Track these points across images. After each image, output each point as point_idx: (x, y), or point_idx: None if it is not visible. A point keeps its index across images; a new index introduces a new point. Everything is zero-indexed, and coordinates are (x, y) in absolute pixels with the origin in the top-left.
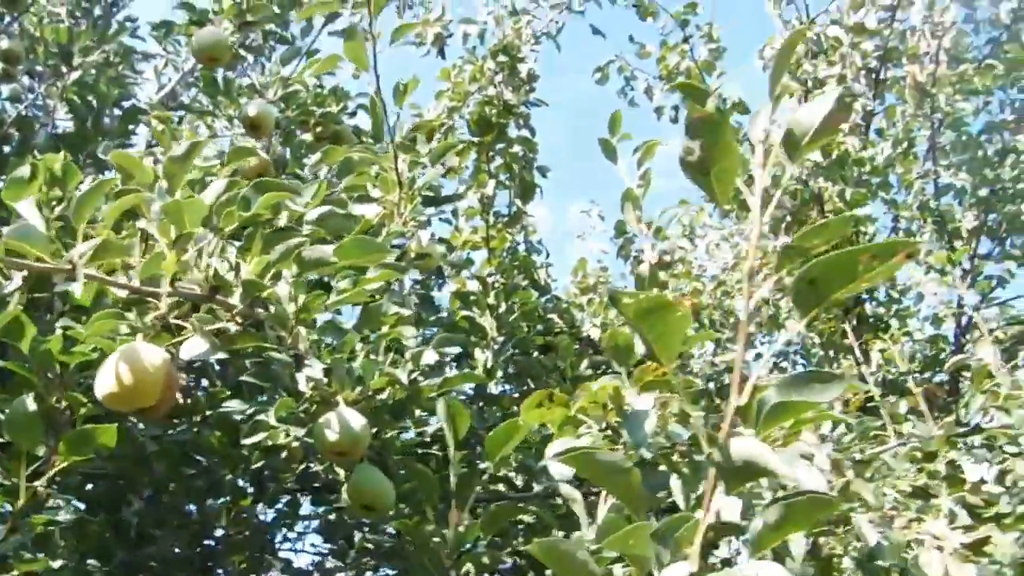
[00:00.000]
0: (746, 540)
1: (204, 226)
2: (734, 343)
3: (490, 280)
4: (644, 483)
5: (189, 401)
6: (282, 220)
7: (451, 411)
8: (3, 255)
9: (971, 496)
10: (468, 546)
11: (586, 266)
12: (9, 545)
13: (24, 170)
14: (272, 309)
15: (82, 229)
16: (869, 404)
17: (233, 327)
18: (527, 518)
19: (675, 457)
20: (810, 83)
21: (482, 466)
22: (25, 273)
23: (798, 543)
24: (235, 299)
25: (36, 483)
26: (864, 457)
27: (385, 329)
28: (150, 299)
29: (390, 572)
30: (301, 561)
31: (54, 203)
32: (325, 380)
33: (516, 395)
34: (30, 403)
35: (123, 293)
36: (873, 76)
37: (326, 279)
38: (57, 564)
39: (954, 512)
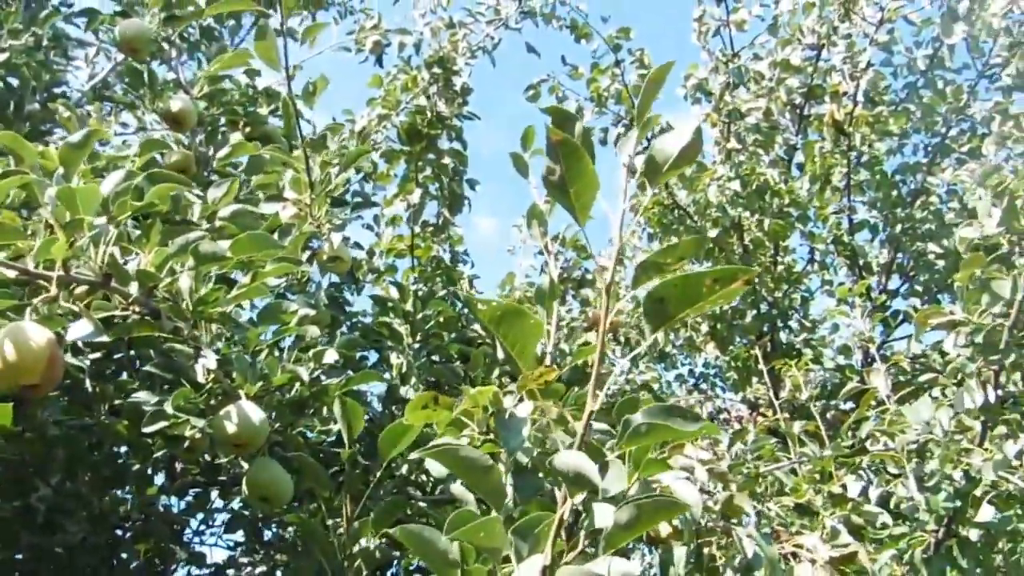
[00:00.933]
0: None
1: (100, 214)
2: (655, 363)
3: (413, 288)
4: (517, 484)
5: (97, 390)
6: (195, 215)
7: (346, 409)
8: None
9: (855, 515)
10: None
11: (514, 280)
12: None
13: None
14: (170, 301)
15: None
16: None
17: (130, 315)
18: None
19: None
20: (729, 114)
21: (369, 464)
22: None
23: (680, 551)
24: (132, 288)
25: None
26: (753, 472)
27: (281, 327)
28: (43, 282)
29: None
30: (217, 556)
31: None
32: (221, 371)
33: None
34: None
35: (12, 274)
36: (798, 111)
37: (232, 275)
38: None
39: (836, 529)
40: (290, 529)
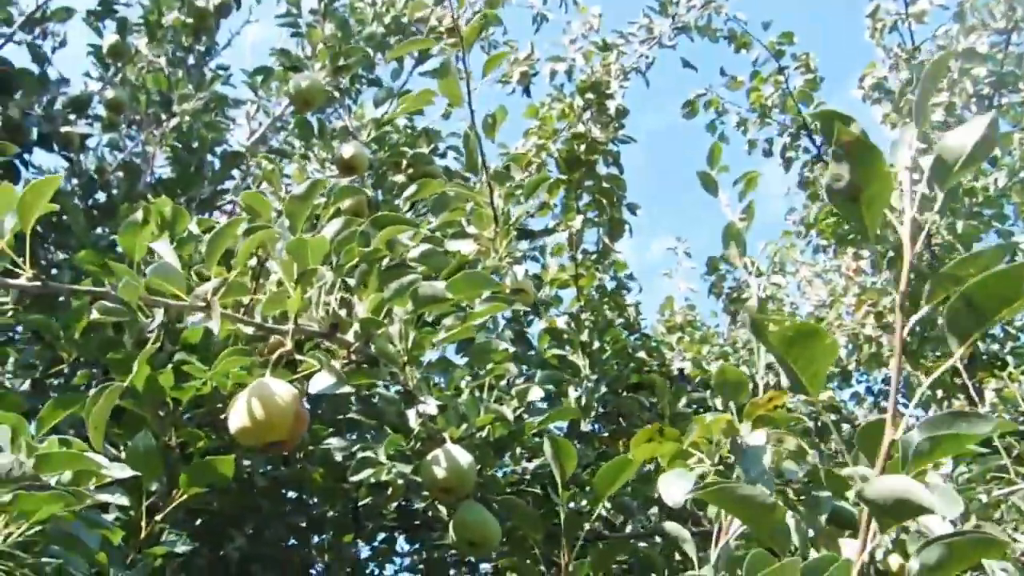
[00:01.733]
0: None
1: (324, 264)
2: (833, 381)
3: (582, 317)
4: None
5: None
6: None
7: (557, 449)
8: (144, 292)
9: None
10: None
11: (673, 304)
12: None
13: (137, 215)
14: (384, 346)
15: (214, 268)
16: (989, 444)
17: (348, 364)
18: (624, 556)
19: (789, 494)
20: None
21: (584, 504)
22: (162, 311)
23: None
24: (350, 336)
25: (156, 517)
26: (990, 499)
27: (491, 366)
28: (276, 336)
29: None
30: None
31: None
32: (427, 416)
33: (606, 434)
34: (149, 439)
35: (250, 330)
36: (986, 103)
37: (427, 317)
38: None
39: None
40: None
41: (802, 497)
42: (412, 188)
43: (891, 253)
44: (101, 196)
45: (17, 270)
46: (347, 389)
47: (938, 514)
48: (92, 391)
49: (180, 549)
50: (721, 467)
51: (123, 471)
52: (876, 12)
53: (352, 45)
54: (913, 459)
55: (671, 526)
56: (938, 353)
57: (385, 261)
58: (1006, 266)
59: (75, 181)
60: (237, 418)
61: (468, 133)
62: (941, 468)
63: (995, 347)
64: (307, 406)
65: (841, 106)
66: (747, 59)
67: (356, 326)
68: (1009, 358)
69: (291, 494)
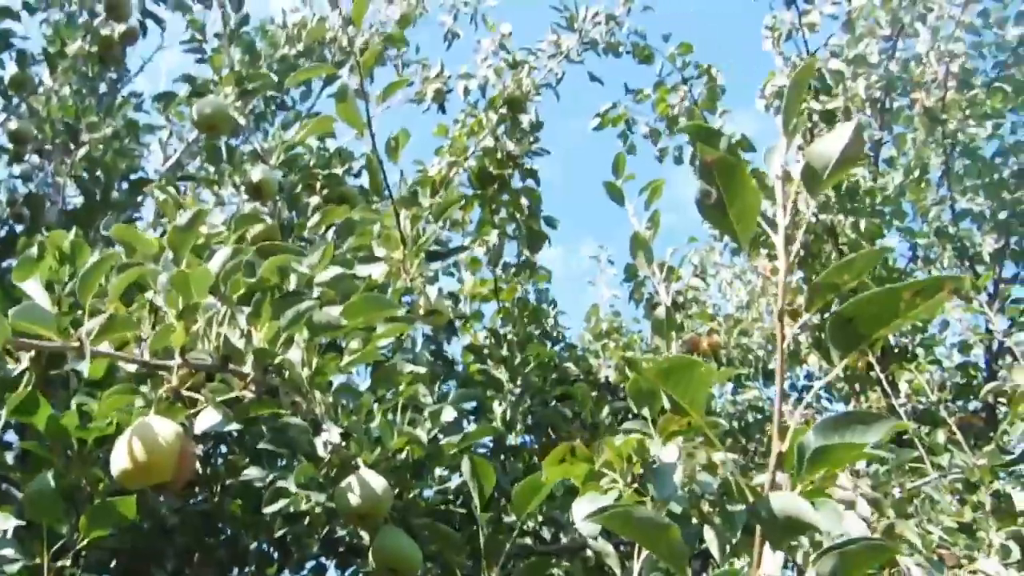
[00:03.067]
0: None
1: (212, 294)
2: (755, 380)
3: (502, 332)
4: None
5: (208, 471)
6: (291, 284)
7: (476, 468)
8: (9, 336)
9: None
10: None
11: (599, 312)
12: None
13: (32, 250)
14: (286, 375)
15: (88, 305)
16: (902, 436)
17: (247, 395)
18: (558, 572)
19: (705, 508)
20: (815, 117)
21: (508, 520)
22: (32, 353)
23: None
24: (247, 367)
25: (59, 562)
26: (904, 494)
27: (401, 388)
28: (162, 372)
29: None
30: None
31: (65, 281)
32: (343, 444)
33: (535, 446)
34: (50, 480)
35: (133, 368)
36: (878, 106)
37: (338, 341)
38: None
39: (1007, 547)
40: None
41: (717, 510)
42: (316, 216)
43: (802, 252)
44: (17, 228)
45: None
46: (234, 426)
47: (824, 530)
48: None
49: None
50: (635, 485)
51: (6, 522)
52: (774, 24)
53: (256, 70)
54: (807, 469)
55: (596, 544)
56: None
57: (278, 290)
58: (880, 290)
59: None
60: (119, 460)
61: (370, 157)
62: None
63: (904, 340)
64: (198, 445)
65: (748, 115)
66: (652, 71)
67: (251, 357)
68: (919, 350)
69: (217, 529)
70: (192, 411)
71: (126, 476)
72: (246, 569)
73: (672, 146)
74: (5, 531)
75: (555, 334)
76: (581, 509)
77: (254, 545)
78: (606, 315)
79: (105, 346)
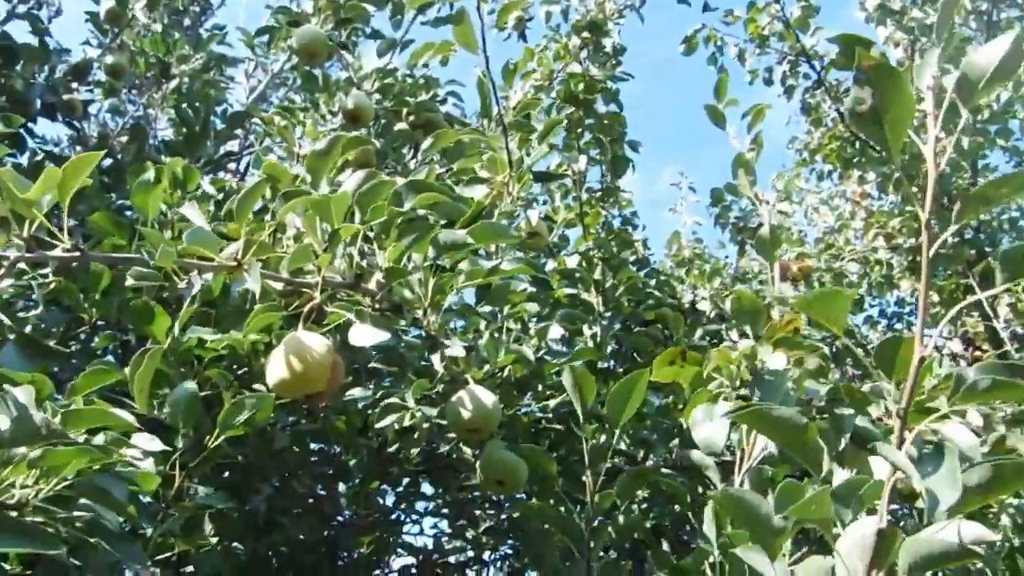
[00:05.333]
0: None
1: (346, 218)
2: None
3: (592, 255)
4: None
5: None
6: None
7: (577, 380)
8: (176, 257)
9: None
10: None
11: (680, 239)
12: (162, 529)
13: (149, 174)
14: (406, 293)
15: (243, 229)
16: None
17: (372, 312)
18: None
19: (812, 413)
20: (916, 31)
21: (603, 440)
22: (200, 273)
23: None
24: (372, 285)
25: (190, 465)
26: (1017, 412)
27: (510, 307)
28: (304, 289)
29: (508, 550)
30: (417, 541)
31: (176, 203)
32: (461, 359)
33: (621, 370)
34: (191, 386)
35: (278, 286)
36: (984, 18)
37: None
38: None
39: None
40: (492, 512)
41: (824, 416)
42: (428, 141)
43: (897, 175)
44: (106, 161)
45: (55, 241)
46: (392, 339)
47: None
48: (135, 355)
49: (220, 505)
50: (743, 392)
51: (152, 443)
52: None
53: (354, 1)
54: (963, 394)
55: (695, 454)
56: (948, 272)
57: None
58: None
59: (78, 148)
60: (275, 371)
61: (482, 80)
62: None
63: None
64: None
65: (838, 30)
66: None
67: (379, 275)
68: None
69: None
70: (324, 328)
71: (283, 385)
72: (349, 484)
73: (762, 67)
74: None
75: (642, 258)
76: (701, 425)
77: (355, 461)
78: (688, 241)
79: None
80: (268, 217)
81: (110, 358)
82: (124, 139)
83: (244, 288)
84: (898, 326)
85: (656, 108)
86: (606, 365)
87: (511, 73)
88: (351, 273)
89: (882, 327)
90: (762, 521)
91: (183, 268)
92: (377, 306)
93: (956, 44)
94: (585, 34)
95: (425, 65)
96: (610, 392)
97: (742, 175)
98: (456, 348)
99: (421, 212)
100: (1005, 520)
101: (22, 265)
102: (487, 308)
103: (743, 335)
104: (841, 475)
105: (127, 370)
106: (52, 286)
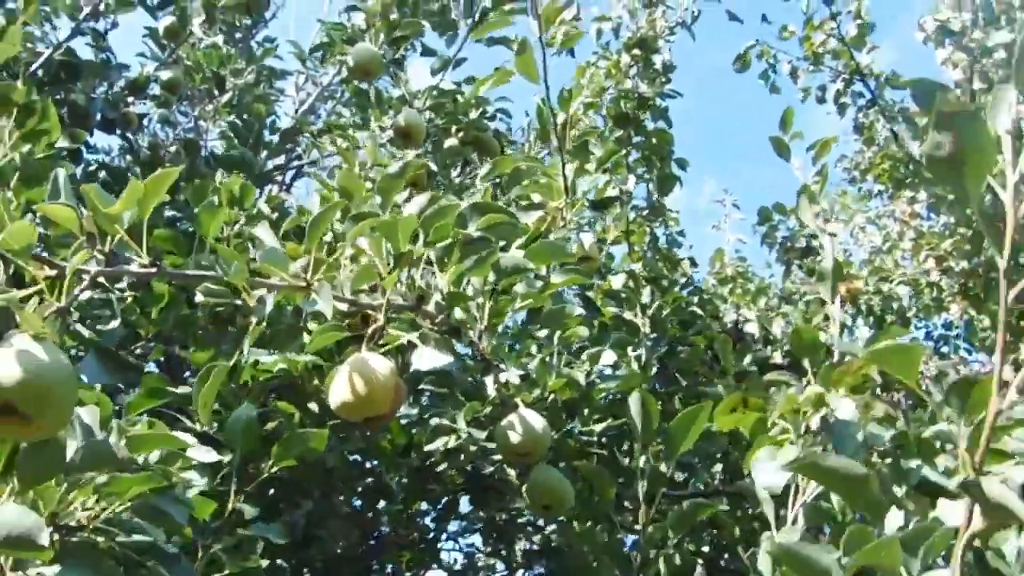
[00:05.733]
0: None
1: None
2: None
3: (639, 275)
4: None
5: None
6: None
7: (645, 405)
8: (247, 276)
9: None
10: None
11: (723, 256)
12: (213, 552)
13: (213, 197)
14: (465, 316)
15: (315, 249)
16: None
17: (433, 334)
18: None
19: (874, 458)
20: (977, 53)
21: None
22: (270, 293)
23: None
24: (431, 307)
25: (247, 488)
26: None
27: (574, 331)
28: (368, 311)
29: (543, 571)
30: (450, 557)
31: (236, 221)
32: (504, 382)
33: (664, 392)
34: (249, 411)
35: (344, 307)
36: None
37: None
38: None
39: None
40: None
41: (888, 461)
42: (487, 167)
43: (951, 197)
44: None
45: (133, 257)
46: (457, 363)
47: None
48: (200, 373)
49: (275, 539)
50: (808, 438)
51: (209, 455)
52: None
53: (409, 19)
54: None
55: (751, 487)
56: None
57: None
58: None
59: (128, 158)
60: (339, 393)
61: (541, 107)
62: None
63: None
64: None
65: (891, 48)
66: (787, 8)
67: (438, 297)
68: None
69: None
70: (382, 349)
71: (347, 408)
72: (392, 504)
73: (814, 85)
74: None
75: (687, 277)
76: (762, 468)
77: (396, 479)
78: (731, 259)
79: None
80: (330, 235)
81: (154, 368)
82: (173, 148)
83: (312, 309)
84: (944, 348)
85: (699, 119)
86: (650, 387)
87: (566, 101)
88: (412, 295)
89: (929, 350)
90: (820, 572)
91: (253, 287)
92: (435, 328)
93: None
94: (636, 51)
95: (459, 83)
96: (671, 423)
97: (806, 207)
98: (512, 374)
99: (480, 234)
100: None
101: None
102: (541, 331)
103: (803, 373)
104: (907, 521)
105: (183, 388)
106: (128, 300)
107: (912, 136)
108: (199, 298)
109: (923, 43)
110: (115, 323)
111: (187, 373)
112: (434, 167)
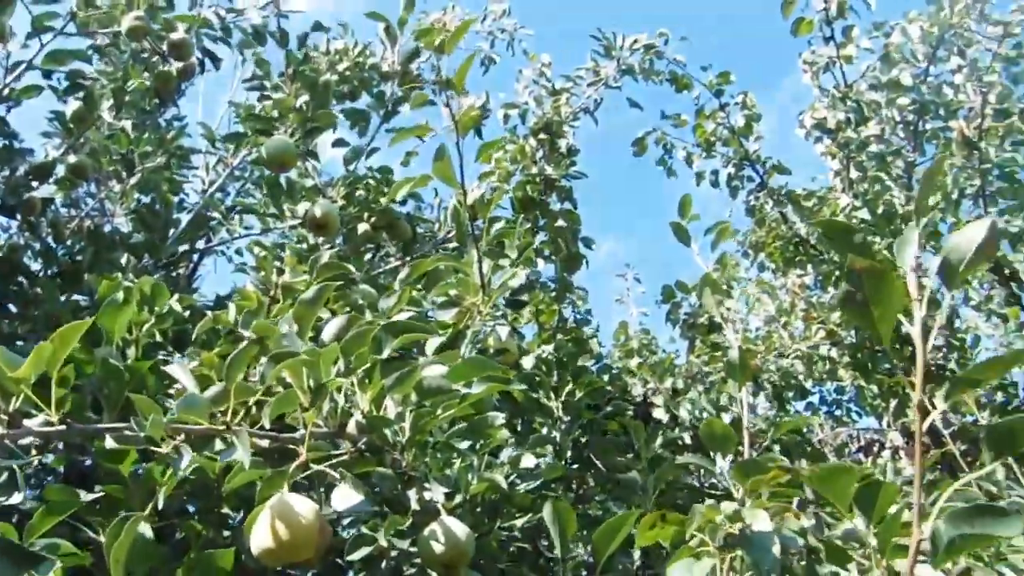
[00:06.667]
0: None
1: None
2: (794, 400)
3: (548, 357)
4: None
5: None
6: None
7: (559, 513)
8: (165, 427)
9: None
10: None
11: (627, 330)
12: None
13: (118, 295)
14: (386, 435)
15: (233, 391)
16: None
17: (352, 454)
18: None
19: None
20: (851, 147)
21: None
22: (189, 446)
23: None
24: (352, 428)
25: None
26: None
27: (495, 439)
28: (290, 445)
29: None
30: None
31: (144, 324)
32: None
33: (579, 476)
34: (148, 531)
35: (265, 443)
36: (911, 129)
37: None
38: None
39: None
40: None
41: (804, 568)
42: (405, 270)
43: (836, 272)
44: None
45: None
46: (371, 508)
47: None
48: (111, 525)
49: None
50: (725, 549)
51: None
52: (812, 59)
53: (324, 111)
54: (943, 554)
55: None
56: (887, 366)
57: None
58: None
59: (29, 242)
60: (261, 539)
61: (458, 209)
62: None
63: (939, 358)
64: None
65: (777, 139)
66: (688, 97)
67: (359, 418)
68: (955, 368)
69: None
70: (301, 476)
71: (269, 554)
72: None
73: (708, 169)
74: None
75: (596, 355)
76: (677, 571)
77: None
78: (635, 333)
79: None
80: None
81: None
82: (78, 233)
83: (229, 458)
84: (837, 412)
85: (595, 177)
86: (565, 471)
87: (485, 206)
88: (334, 423)
89: (823, 414)
90: None
91: (171, 434)
92: (357, 448)
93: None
94: (541, 135)
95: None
96: (595, 534)
97: (708, 295)
98: (437, 492)
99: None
100: None
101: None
102: (464, 443)
103: (712, 460)
104: None
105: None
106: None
107: (800, 218)
108: (110, 444)
109: (804, 138)
110: (18, 496)
111: None
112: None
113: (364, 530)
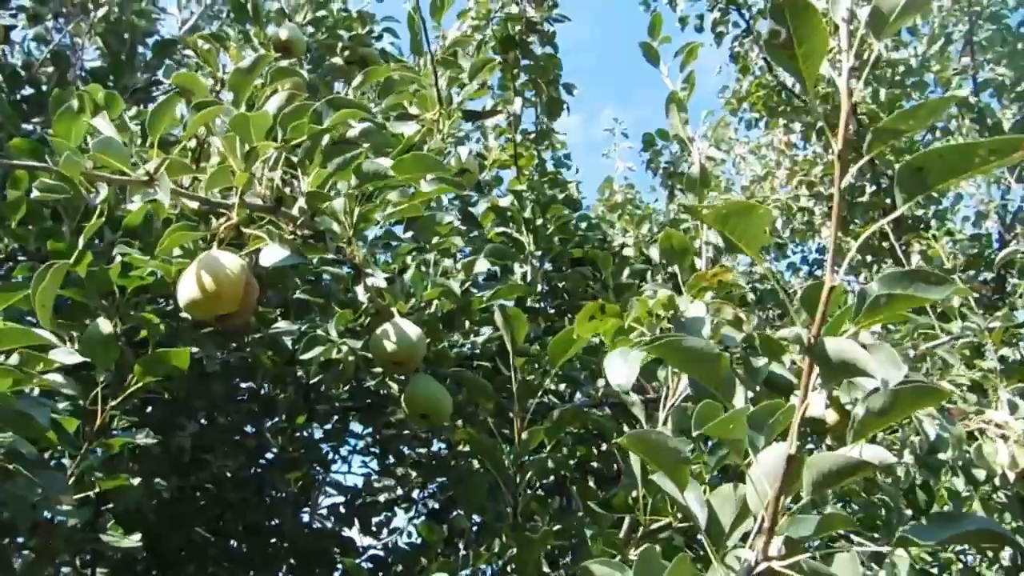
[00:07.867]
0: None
1: (267, 139)
2: (770, 252)
3: (524, 195)
4: None
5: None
6: (324, 139)
7: (508, 318)
8: (85, 167)
9: None
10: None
11: (612, 184)
12: (83, 466)
13: (72, 102)
14: (329, 221)
15: (156, 143)
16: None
17: (294, 239)
18: (576, 425)
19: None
20: None
21: (532, 378)
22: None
23: None
24: (295, 211)
25: (109, 405)
26: (918, 353)
27: (437, 240)
28: (221, 210)
29: (436, 488)
30: (347, 480)
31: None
32: (383, 290)
33: (552, 310)
34: (105, 325)
35: (194, 205)
36: None
37: (374, 196)
38: (135, 482)
39: (1014, 403)
40: (423, 450)
41: (740, 362)
42: (359, 77)
43: (820, 124)
44: (28, 90)
45: None
46: (299, 260)
47: (877, 377)
48: (37, 271)
49: (142, 441)
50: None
51: (71, 356)
52: None
53: None
54: (866, 311)
55: (623, 393)
56: (862, 221)
57: (327, 138)
58: (957, 144)
59: None
60: (187, 290)
61: (412, 15)
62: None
63: (919, 212)
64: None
65: None
66: None
67: (301, 201)
68: (932, 220)
69: (242, 381)
70: (250, 250)
71: (194, 305)
72: (275, 419)
73: (693, 14)
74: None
75: (574, 199)
76: (613, 364)
77: (283, 396)
78: (620, 187)
79: (168, 183)
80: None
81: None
82: (49, 69)
83: (152, 200)
84: (819, 272)
85: (599, 50)
86: (538, 304)
87: (439, 9)
88: (271, 197)
89: (804, 273)
90: (667, 454)
91: (91, 180)
92: (299, 233)
93: None
94: None
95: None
96: (553, 339)
97: (674, 114)
98: (379, 279)
99: (349, 139)
100: (908, 457)
101: None
102: (413, 239)
103: (669, 277)
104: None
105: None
106: None
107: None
108: (35, 194)
109: None
110: None
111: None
112: (315, 83)
113: (318, 331)
